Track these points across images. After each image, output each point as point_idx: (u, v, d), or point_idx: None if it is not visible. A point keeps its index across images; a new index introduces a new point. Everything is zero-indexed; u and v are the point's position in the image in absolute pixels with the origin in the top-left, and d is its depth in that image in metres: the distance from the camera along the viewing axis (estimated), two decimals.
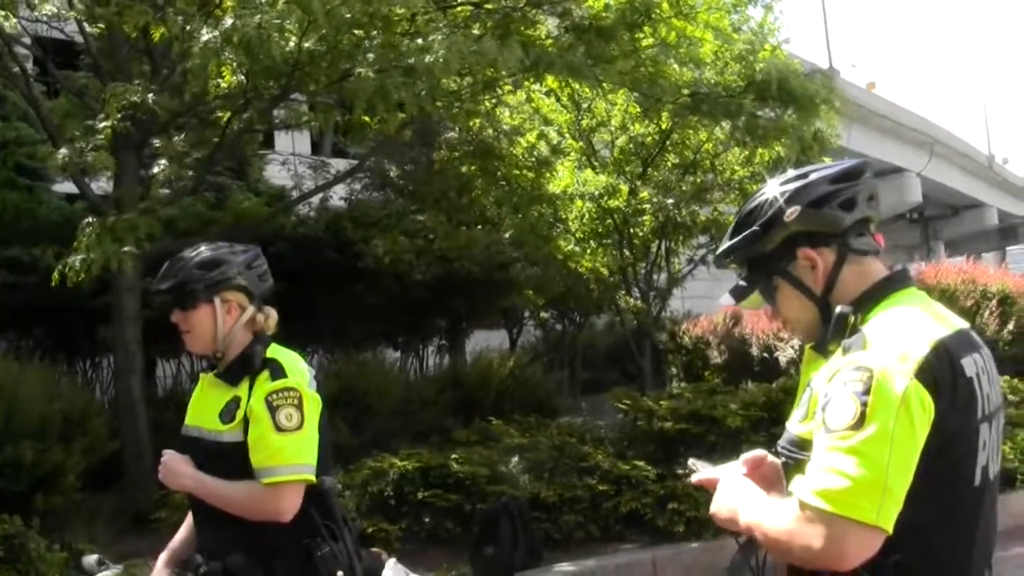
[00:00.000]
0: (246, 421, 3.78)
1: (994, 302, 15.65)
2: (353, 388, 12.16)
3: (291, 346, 4.05)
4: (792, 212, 2.69)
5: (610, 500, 10.70)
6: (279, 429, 3.71)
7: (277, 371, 3.82)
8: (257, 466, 3.72)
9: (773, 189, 2.78)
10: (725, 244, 2.88)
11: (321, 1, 8.86)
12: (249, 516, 3.75)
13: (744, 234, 2.80)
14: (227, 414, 3.85)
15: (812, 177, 2.75)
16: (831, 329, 2.63)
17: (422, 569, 9.75)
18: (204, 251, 4.02)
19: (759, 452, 2.93)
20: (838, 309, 2.63)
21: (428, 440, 12.31)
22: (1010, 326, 15.44)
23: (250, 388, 3.82)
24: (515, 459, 11.05)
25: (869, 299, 2.66)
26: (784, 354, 15.76)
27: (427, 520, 10.29)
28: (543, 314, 20.75)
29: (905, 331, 2.50)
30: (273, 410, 3.72)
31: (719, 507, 2.74)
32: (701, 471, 2.99)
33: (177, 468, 3.84)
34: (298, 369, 3.90)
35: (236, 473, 3.77)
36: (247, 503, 3.75)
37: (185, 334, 4.01)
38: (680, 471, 11.07)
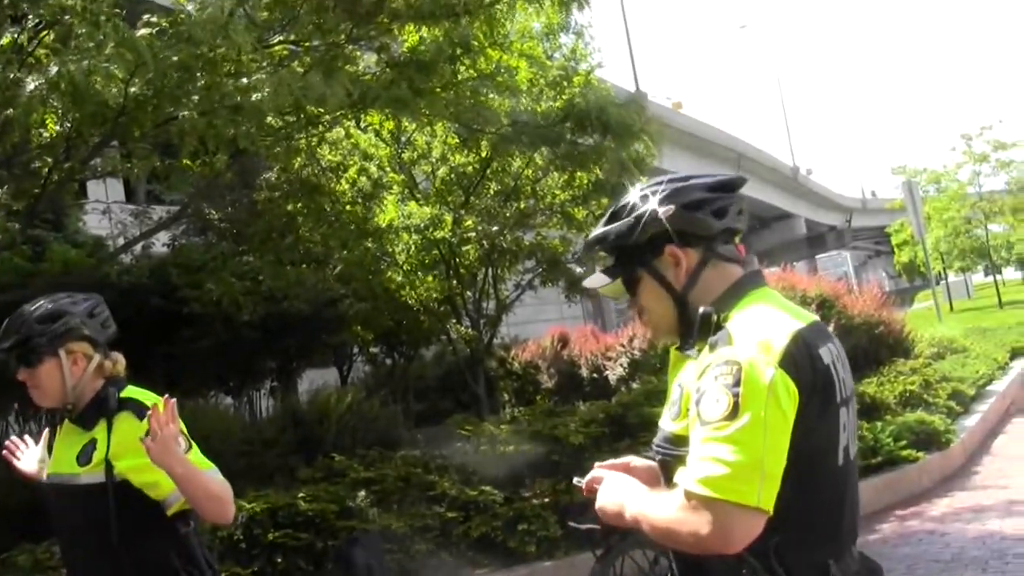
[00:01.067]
0: (108, 463, 3.81)
1: (814, 306, 16.14)
2: (192, 433, 11.97)
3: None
4: (667, 210, 2.81)
5: (460, 526, 10.75)
6: (184, 451, 3.79)
7: (140, 409, 3.86)
8: (169, 492, 3.82)
9: (652, 187, 2.90)
10: (598, 231, 3.00)
11: (149, 44, 8.79)
12: (217, 507, 3.84)
13: (618, 223, 2.91)
14: (83, 456, 3.89)
15: (691, 182, 2.88)
16: (696, 328, 2.75)
17: None
18: (44, 304, 4.04)
19: (624, 459, 3.10)
20: (701, 309, 2.75)
21: (273, 481, 12.19)
22: (831, 327, 15.90)
23: (108, 430, 3.87)
24: (362, 493, 11.02)
25: (729, 298, 2.79)
26: (614, 372, 16.05)
27: (279, 561, 10.18)
28: (372, 349, 20.69)
29: (765, 325, 2.64)
30: None
31: (604, 503, 2.88)
32: (583, 479, 3.13)
33: (171, 447, 3.68)
34: (157, 401, 3.86)
35: (96, 513, 3.81)
36: (222, 491, 3.86)
37: (33, 390, 4.01)
38: (526, 493, 11.23)
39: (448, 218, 15.77)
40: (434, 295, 17.00)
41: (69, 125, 10.29)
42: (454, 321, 17.18)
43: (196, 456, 3.87)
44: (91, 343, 4.05)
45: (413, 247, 16.37)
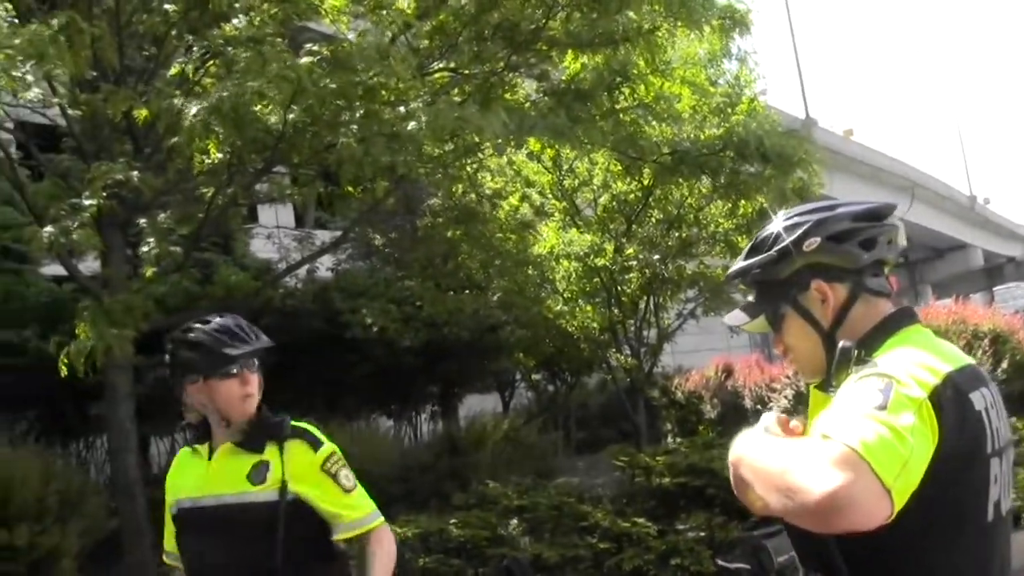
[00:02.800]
0: (283, 483, 3.92)
1: (986, 341, 15.65)
2: (348, 458, 12.04)
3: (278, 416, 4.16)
4: (812, 243, 2.67)
5: (612, 558, 10.65)
6: (346, 491, 3.99)
7: (314, 441, 4.02)
8: (348, 521, 4.03)
9: (795, 217, 2.76)
10: (739, 264, 2.86)
11: (309, 72, 8.91)
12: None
13: (759, 257, 2.77)
14: (257, 476, 3.96)
15: (837, 211, 2.72)
16: (835, 364, 2.57)
17: None
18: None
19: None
20: (841, 344, 2.58)
21: (426, 506, 12.25)
22: (1004, 364, 15.44)
23: (281, 454, 3.97)
24: (514, 521, 11.00)
25: (876, 336, 2.62)
26: (778, 404, 15.76)
27: None
28: (534, 376, 20.72)
29: (914, 364, 2.45)
30: (334, 476, 3.96)
31: (731, 455, 2.60)
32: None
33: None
34: (324, 435, 4.12)
35: (262, 534, 3.89)
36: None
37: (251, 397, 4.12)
38: (680, 526, 11.08)
39: (609, 246, 15.70)
40: (595, 323, 16.93)
41: (230, 151, 10.47)
42: (614, 350, 17.08)
43: (358, 497, 4.05)
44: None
45: (574, 275, 16.35)
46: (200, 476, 4.11)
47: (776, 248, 2.72)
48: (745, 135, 13.73)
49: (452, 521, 10.79)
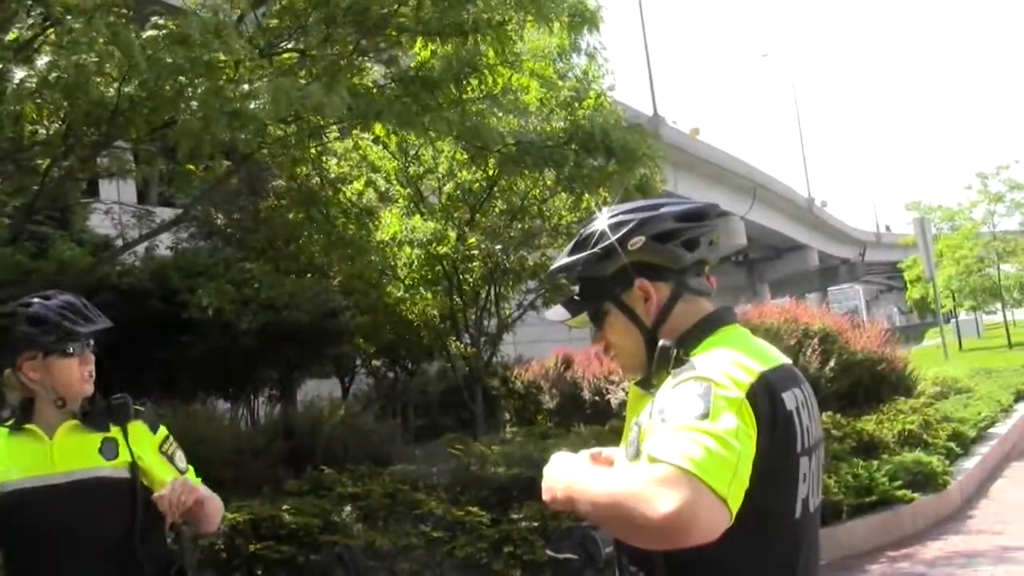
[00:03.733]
0: (134, 462, 3.96)
1: (816, 340, 16.03)
2: (182, 440, 11.84)
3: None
4: (636, 242, 2.69)
5: (446, 546, 10.67)
6: (181, 472, 4.08)
7: (153, 423, 4.17)
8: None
9: (620, 215, 2.77)
10: (562, 260, 2.87)
11: (142, 46, 8.74)
12: (216, 520, 4.21)
13: (584, 253, 2.78)
14: (109, 452, 3.97)
15: (661, 211, 2.75)
16: (656, 362, 2.62)
17: None
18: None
19: (597, 448, 2.93)
20: (661, 343, 2.63)
21: (260, 491, 12.11)
22: (832, 363, 15.83)
23: (125, 434, 4.01)
24: (348, 508, 10.94)
25: (694, 335, 2.66)
26: (615, 396, 15.93)
27: (259, 573, 10.11)
28: (375, 362, 20.63)
29: (729, 365, 2.49)
30: (170, 457, 4.10)
31: (551, 485, 2.68)
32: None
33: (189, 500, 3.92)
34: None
35: (117, 507, 3.92)
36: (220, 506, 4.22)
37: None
38: (514, 515, 11.14)
39: (452, 235, 15.70)
40: (435, 311, 16.94)
41: (63, 122, 10.23)
42: (454, 338, 17.09)
43: (191, 475, 4.14)
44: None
45: (416, 262, 16.32)
46: (39, 455, 4.00)
47: (601, 246, 2.74)
48: (590, 129, 13.84)
49: (285, 507, 10.70)
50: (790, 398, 2.54)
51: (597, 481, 2.47)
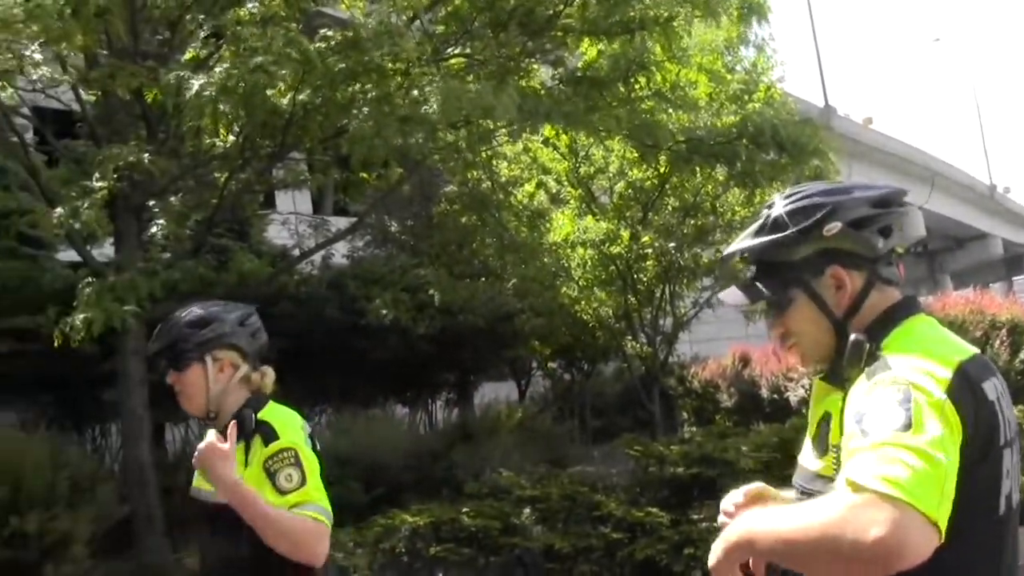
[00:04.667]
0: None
1: (1004, 331, 15.51)
2: (362, 445, 12.11)
3: (298, 405, 4.01)
4: (832, 228, 2.55)
5: (625, 548, 10.62)
6: (282, 492, 3.66)
7: (269, 434, 3.79)
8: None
9: (809, 197, 2.63)
10: (745, 243, 2.71)
11: (317, 51, 8.89)
12: (284, 544, 3.63)
13: (772, 237, 2.63)
14: None
15: (855, 195, 2.61)
16: (847, 357, 2.49)
17: None
18: (195, 310, 3.98)
19: (758, 484, 2.82)
20: (852, 337, 2.50)
21: (439, 495, 12.24)
22: (1022, 355, 15.30)
23: (246, 452, 3.79)
24: (527, 510, 10.97)
25: (882, 326, 2.54)
26: (795, 394, 15.69)
27: (440, 575, 10.22)
28: (550, 364, 20.67)
29: (926, 356, 2.37)
30: (272, 475, 3.69)
31: (725, 544, 2.44)
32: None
33: (221, 466, 3.63)
34: (292, 427, 3.86)
35: (226, 533, 3.75)
36: (288, 528, 3.63)
37: (180, 395, 3.97)
38: (694, 516, 11.04)
39: (625, 234, 15.62)
40: (610, 311, 16.87)
41: (240, 134, 10.46)
42: (630, 338, 17.00)
43: (294, 497, 3.68)
44: (240, 352, 3.96)
45: (589, 262, 16.27)
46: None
47: (793, 229, 2.59)
48: (760, 123, 13.63)
49: (464, 510, 10.78)
50: (990, 388, 2.42)
51: (785, 519, 2.31)
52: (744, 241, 2.71)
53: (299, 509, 3.63)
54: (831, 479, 2.36)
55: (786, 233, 2.59)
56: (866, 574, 2.13)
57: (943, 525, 2.11)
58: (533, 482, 11.73)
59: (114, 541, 10.99)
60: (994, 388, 2.43)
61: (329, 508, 3.74)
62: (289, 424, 3.87)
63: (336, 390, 15.70)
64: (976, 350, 2.54)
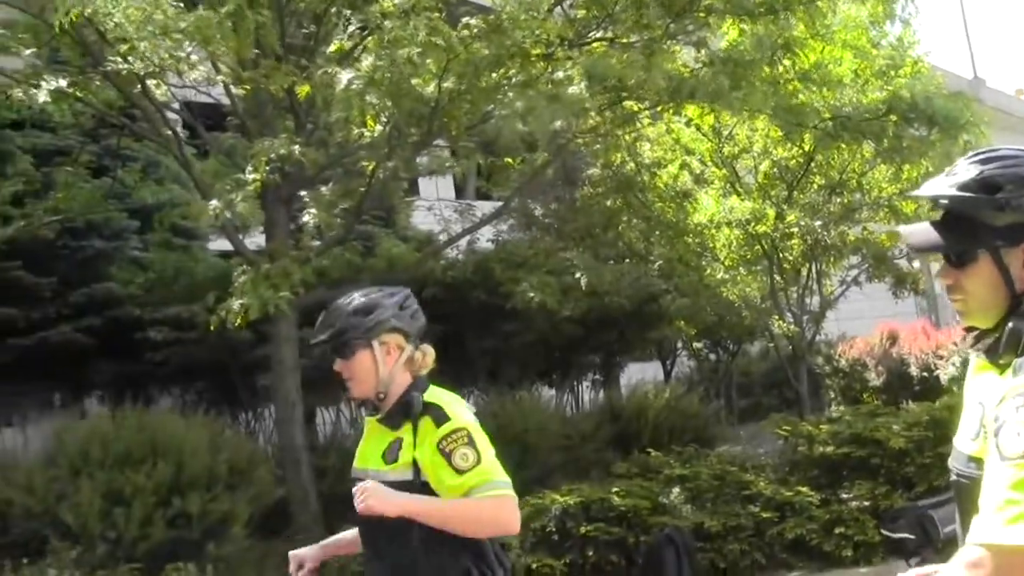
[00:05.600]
0: (415, 465, 3.87)
1: None
2: (511, 427, 12.23)
3: (446, 388, 4.11)
4: None
5: (774, 527, 10.63)
6: (459, 471, 3.78)
7: (440, 416, 3.89)
8: (458, 496, 3.81)
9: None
10: (946, 191, 2.68)
11: (460, 38, 9.02)
12: (478, 530, 3.84)
13: (981, 195, 2.60)
14: (390, 454, 3.96)
15: None
16: (1004, 343, 2.53)
17: None
18: (357, 298, 4.11)
19: (930, 567, 2.87)
20: (1011, 324, 2.53)
21: (588, 475, 12.32)
22: None
23: (414, 432, 3.91)
24: (676, 490, 11.02)
25: None
26: (945, 372, 15.43)
27: (591, 554, 10.31)
28: (696, 344, 20.61)
29: None
30: (448, 455, 3.80)
31: None
32: None
33: (384, 493, 3.80)
34: (458, 407, 3.99)
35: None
36: (474, 514, 3.82)
37: (348, 380, 4.09)
38: (844, 495, 10.99)
39: (771, 213, 15.51)
40: (756, 291, 16.77)
41: (388, 123, 10.63)
42: (776, 317, 16.88)
43: (473, 475, 3.80)
44: (403, 334, 4.09)
45: (735, 242, 16.19)
46: (360, 449, 4.20)
47: (1003, 195, 2.57)
48: (910, 98, 13.41)
49: (614, 490, 10.86)
50: None
51: None
52: (944, 188, 2.69)
53: (480, 491, 3.77)
54: (982, 462, 2.44)
55: (995, 197, 2.57)
56: None
57: None
58: (682, 462, 11.77)
59: (271, 522, 11.26)
60: None
61: (508, 479, 3.86)
62: (457, 405, 4.00)
63: (483, 373, 15.86)
64: None
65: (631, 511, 10.53)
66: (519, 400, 13.64)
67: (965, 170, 2.66)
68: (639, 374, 19.19)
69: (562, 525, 10.33)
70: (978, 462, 2.48)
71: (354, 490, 3.84)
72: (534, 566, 9.94)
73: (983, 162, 2.65)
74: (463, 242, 15.99)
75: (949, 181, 2.68)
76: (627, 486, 11.04)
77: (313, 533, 11.13)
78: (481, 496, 3.78)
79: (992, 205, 2.57)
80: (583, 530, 10.31)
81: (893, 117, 13.36)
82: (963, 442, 2.65)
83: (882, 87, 14.64)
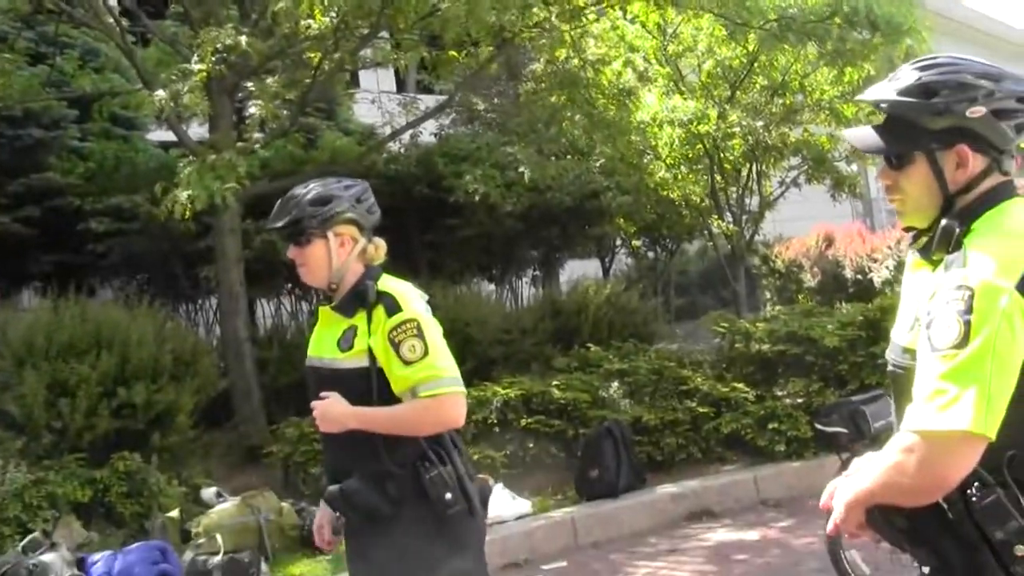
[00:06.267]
0: (371, 352, 3.97)
1: None
2: (452, 320, 12.28)
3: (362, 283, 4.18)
4: (977, 111, 2.67)
5: (711, 421, 10.85)
6: (406, 362, 3.90)
7: (392, 306, 3.99)
8: (401, 391, 3.95)
9: (969, 77, 2.71)
10: (887, 95, 2.81)
11: None
12: (423, 431, 3.96)
13: (919, 100, 2.73)
14: (344, 342, 4.04)
15: (1004, 86, 2.71)
16: (936, 240, 2.68)
17: (527, 493, 9.99)
18: (315, 187, 4.16)
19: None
20: (943, 221, 2.67)
21: (529, 368, 12.45)
22: None
23: (368, 321, 4.00)
24: (615, 384, 11.20)
25: (978, 207, 2.70)
26: (879, 275, 15.67)
27: (531, 446, 10.49)
28: (635, 242, 20.71)
29: (1007, 242, 2.57)
30: (396, 345, 3.91)
31: (855, 496, 2.75)
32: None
33: (333, 413, 4.00)
34: (412, 298, 4.09)
35: (354, 398, 3.98)
36: (417, 418, 3.96)
37: (301, 267, 4.17)
38: (779, 392, 11.22)
39: (712, 113, 15.56)
40: (696, 190, 16.89)
41: (336, 16, 10.55)
42: (716, 217, 17.02)
43: (421, 367, 3.92)
44: (358, 227, 4.17)
45: (676, 141, 16.24)
46: (313, 339, 4.29)
47: (939, 100, 2.70)
48: (854, 1, 13.45)
49: (554, 383, 11.03)
50: None
51: (867, 475, 2.68)
52: (886, 93, 2.82)
53: (424, 388, 3.90)
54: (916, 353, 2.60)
55: (932, 102, 2.71)
56: (930, 500, 2.56)
57: (991, 430, 2.40)
58: (621, 357, 11.94)
59: (215, 412, 11.35)
60: None
61: (456, 372, 4.01)
62: (410, 295, 4.09)
63: (425, 266, 15.88)
64: None
65: (571, 404, 10.70)
66: (460, 294, 13.71)
67: (906, 76, 2.80)
68: (578, 271, 19.28)
69: (503, 417, 10.48)
70: (912, 353, 2.64)
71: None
72: (475, 457, 10.06)
73: (922, 68, 2.78)
74: (405, 136, 15.95)
75: (891, 86, 2.82)
76: (567, 380, 11.21)
77: (256, 423, 11.25)
78: (427, 393, 3.91)
79: (929, 110, 2.71)
80: (524, 422, 10.48)
81: (837, 20, 13.40)
82: (899, 335, 2.81)
83: None
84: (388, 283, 4.12)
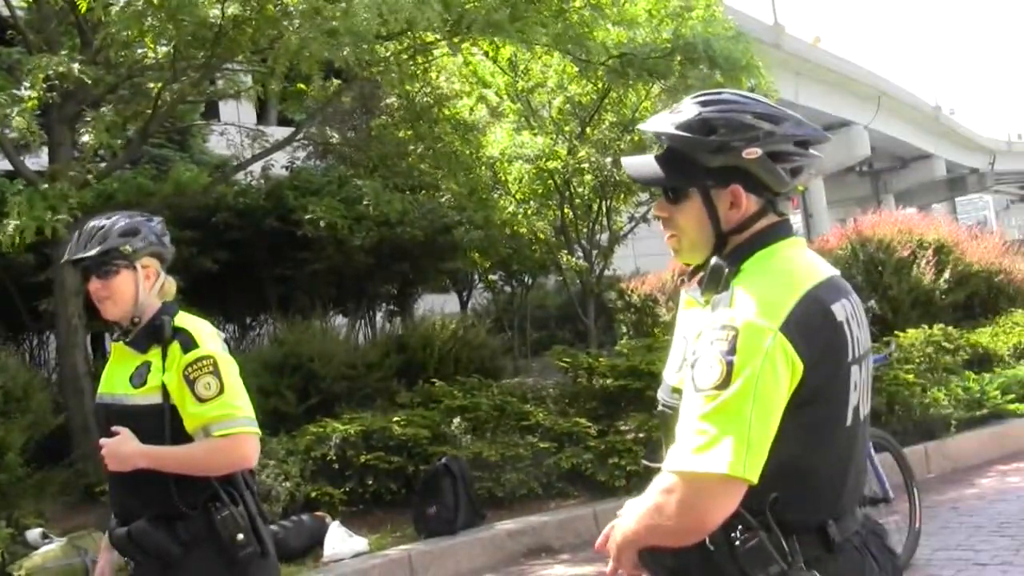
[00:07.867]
0: (164, 389, 3.89)
1: (930, 251, 15.72)
2: (297, 354, 12.21)
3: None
4: (752, 152, 2.65)
5: (551, 457, 10.84)
6: (200, 400, 3.84)
7: (188, 342, 3.94)
8: (194, 429, 3.89)
9: (748, 117, 2.69)
10: (667, 129, 2.75)
11: None
12: (215, 471, 3.89)
13: (697, 136, 2.69)
14: (137, 378, 3.97)
15: (783, 129, 2.69)
16: (706, 279, 2.66)
17: (366, 530, 9.91)
18: (122, 219, 4.11)
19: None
20: (713, 260, 2.66)
21: (373, 404, 12.38)
22: (946, 275, 15.52)
23: (163, 357, 3.94)
24: (457, 420, 11.15)
25: (749, 247, 2.69)
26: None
27: (370, 483, 10.40)
28: (491, 276, 20.76)
29: (774, 284, 2.57)
30: (191, 382, 3.86)
31: (627, 536, 2.73)
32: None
33: (123, 452, 3.90)
34: (208, 335, 4.03)
35: (146, 436, 3.90)
36: (210, 457, 3.89)
37: (105, 300, 4.07)
38: (622, 426, 11.26)
39: (562, 149, 15.68)
40: (543, 225, 16.98)
41: (170, 46, 10.45)
42: (566, 252, 17.12)
43: (214, 406, 3.87)
44: (160, 260, 4.13)
45: (526, 176, 16.33)
46: (105, 374, 4.20)
47: (716, 139, 2.67)
48: (692, 39, 13.67)
49: (395, 419, 10.95)
50: (839, 309, 2.60)
51: (632, 516, 2.67)
52: (666, 127, 2.76)
53: (218, 427, 3.85)
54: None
55: (709, 139, 2.67)
56: (687, 541, 2.55)
57: (752, 473, 2.41)
58: (464, 392, 11.91)
59: (51, 450, 11.09)
60: (843, 309, 2.62)
61: (250, 412, 3.97)
62: (206, 332, 4.04)
63: (275, 300, 15.77)
64: (832, 272, 2.76)
65: (411, 440, 10.64)
66: (306, 328, 13.59)
67: (688, 110, 2.75)
68: (437, 305, 19.28)
69: (342, 454, 10.38)
70: (679, 393, 2.61)
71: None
72: (313, 495, 9.98)
73: (704, 104, 2.75)
74: (257, 168, 15.83)
75: (672, 119, 2.77)
76: (409, 415, 11.15)
77: (94, 461, 11.00)
78: (221, 432, 3.85)
79: (705, 147, 2.67)
80: (363, 459, 10.38)
81: (679, 57, 13.60)
82: (669, 374, 2.82)
83: (674, 29, 14.83)
84: (185, 320, 4.06)
